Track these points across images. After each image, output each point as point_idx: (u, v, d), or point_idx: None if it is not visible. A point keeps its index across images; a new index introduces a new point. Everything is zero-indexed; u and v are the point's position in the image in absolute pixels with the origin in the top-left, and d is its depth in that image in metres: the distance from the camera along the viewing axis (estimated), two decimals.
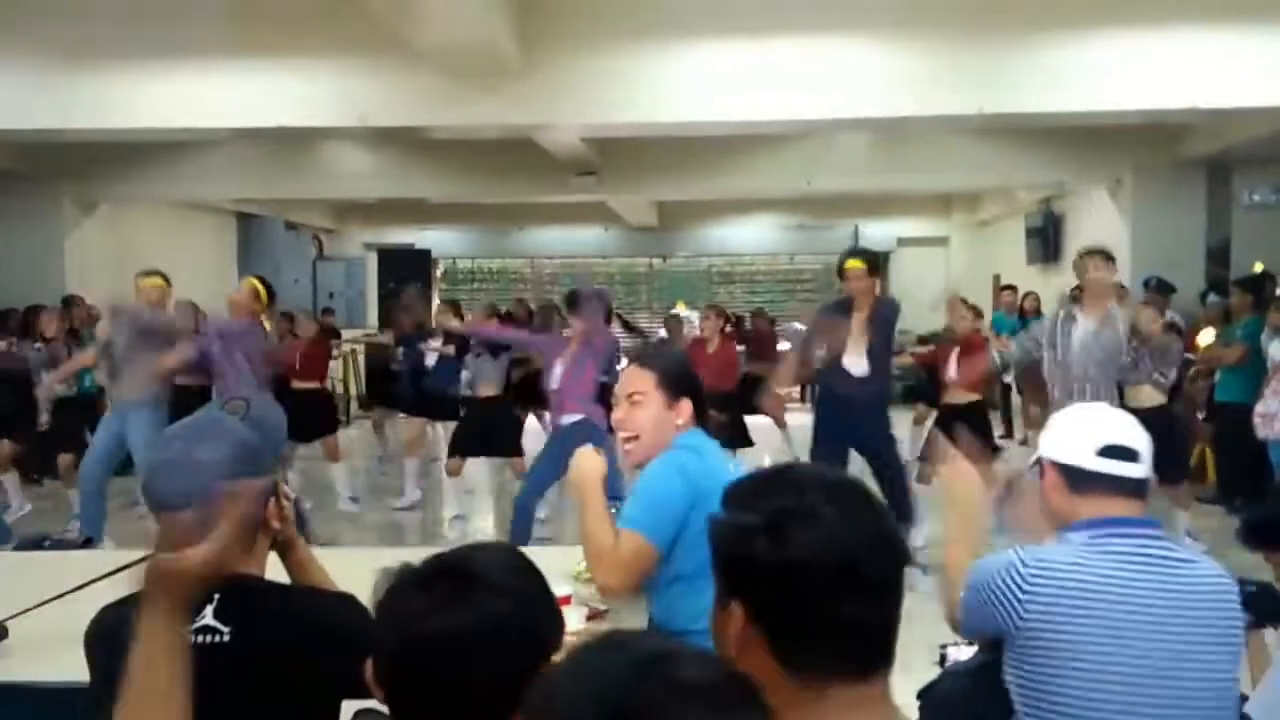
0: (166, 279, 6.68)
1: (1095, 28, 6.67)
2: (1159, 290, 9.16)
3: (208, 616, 1.54)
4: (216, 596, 1.55)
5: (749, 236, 16.83)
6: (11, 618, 2.44)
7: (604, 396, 6.70)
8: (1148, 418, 6.64)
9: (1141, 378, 6.24)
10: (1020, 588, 1.83)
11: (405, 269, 14.95)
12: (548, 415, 7.16)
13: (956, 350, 6.51)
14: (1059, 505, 1.97)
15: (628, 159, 10.58)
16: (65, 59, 7.01)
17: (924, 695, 2.45)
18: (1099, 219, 11.13)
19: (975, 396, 6.52)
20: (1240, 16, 6.56)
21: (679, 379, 2.52)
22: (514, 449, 7.00)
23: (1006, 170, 10.62)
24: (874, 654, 1.14)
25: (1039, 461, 2.03)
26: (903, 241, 16.28)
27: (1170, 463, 5.85)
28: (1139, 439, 1.96)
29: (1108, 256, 5.48)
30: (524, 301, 10.18)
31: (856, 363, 5.81)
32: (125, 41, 6.98)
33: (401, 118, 7.25)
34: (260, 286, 6.75)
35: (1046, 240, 12.18)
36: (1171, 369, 6.36)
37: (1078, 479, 1.93)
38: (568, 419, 6.01)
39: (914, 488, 6.02)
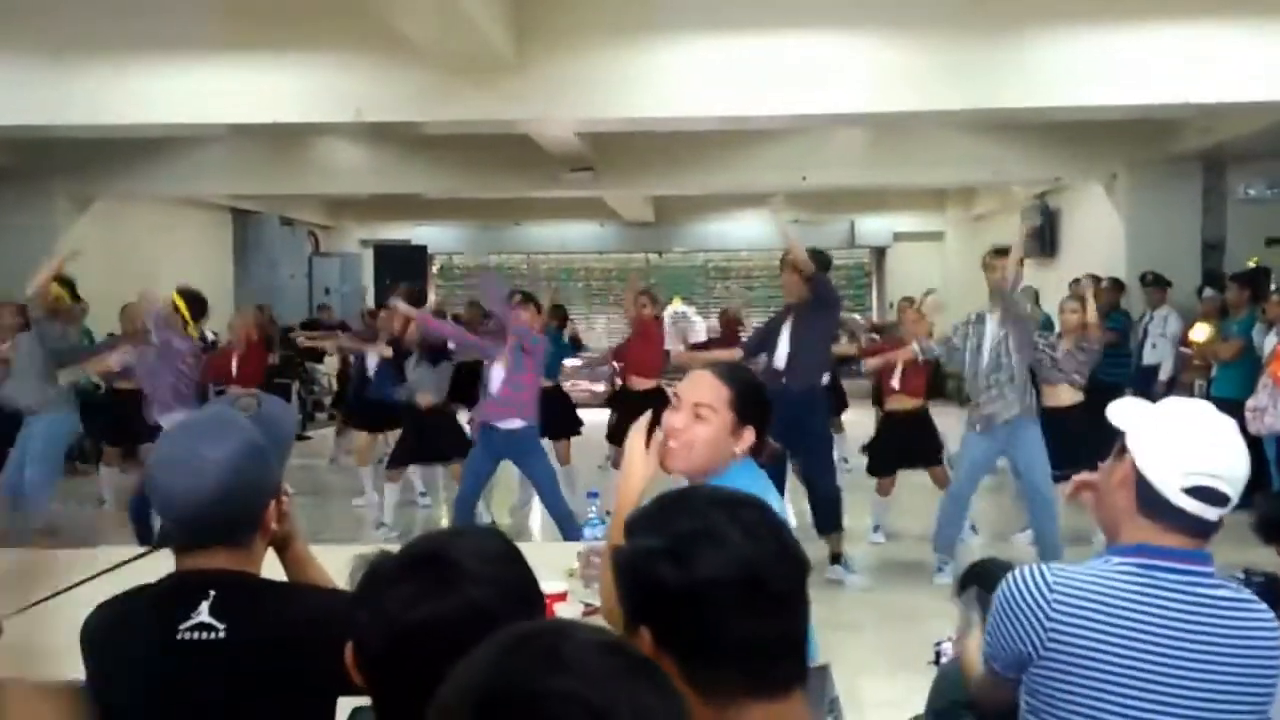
0: (70, 286, 6.55)
1: (1090, 23, 6.68)
2: (1155, 285, 9.18)
3: (203, 613, 1.54)
4: (213, 593, 1.55)
5: (745, 232, 16.82)
6: (7, 617, 2.44)
7: (547, 400, 6.70)
8: (1063, 417, 6.69)
9: (1058, 377, 6.30)
10: (1046, 614, 1.68)
11: (401, 265, 14.94)
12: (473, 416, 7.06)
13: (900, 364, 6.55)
14: (1121, 503, 1.74)
15: (623, 154, 10.58)
16: (60, 54, 6.99)
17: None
18: (1094, 214, 11.14)
19: (918, 403, 6.63)
20: (1235, 12, 6.56)
21: (753, 405, 2.19)
22: (457, 454, 6.79)
23: (1002, 165, 10.63)
24: (786, 670, 1.14)
25: (1124, 448, 1.75)
26: (898, 236, 16.30)
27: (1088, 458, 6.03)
28: (1238, 477, 1.69)
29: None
30: (477, 304, 10.06)
31: (780, 356, 5.80)
32: (120, 36, 6.96)
33: (397, 113, 7.23)
34: (181, 302, 6.44)
35: (1042, 235, 12.19)
36: (1086, 368, 6.34)
37: (1151, 503, 1.70)
38: (505, 425, 5.93)
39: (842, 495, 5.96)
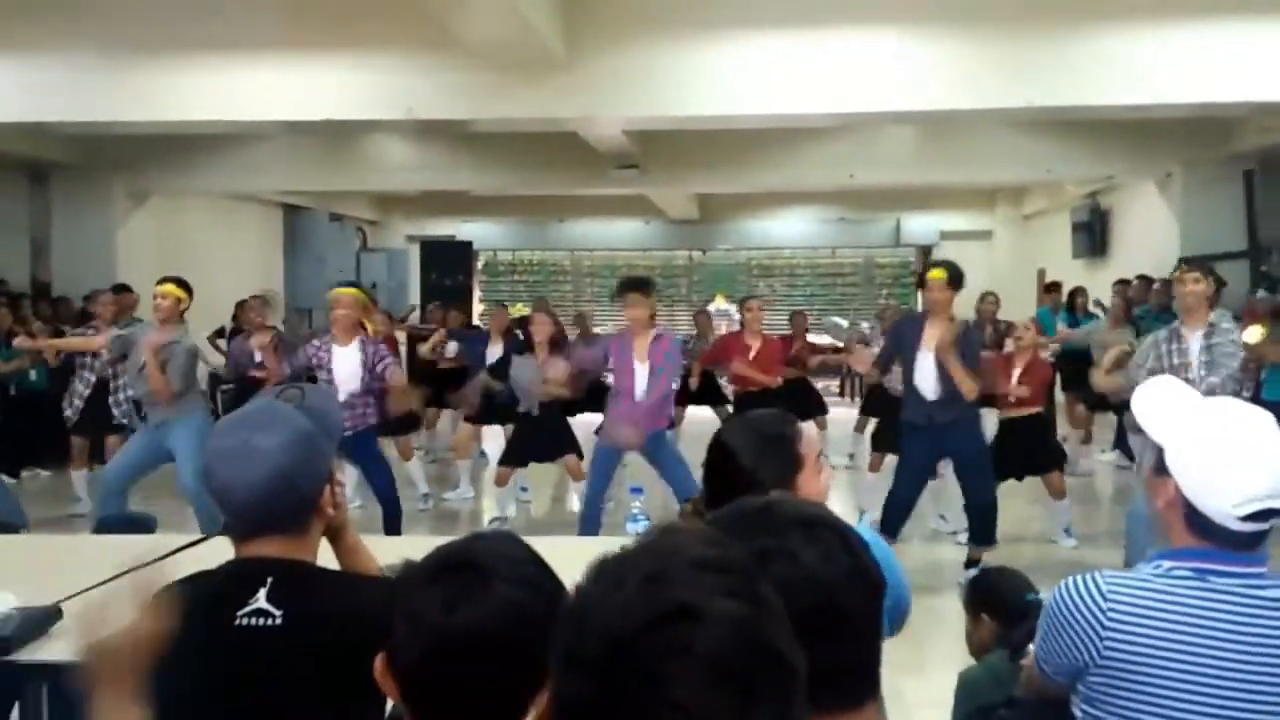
0: (185, 286, 5.89)
1: (1145, 20, 6.57)
2: None
3: (261, 600, 1.57)
4: (270, 580, 1.59)
5: (789, 230, 16.76)
6: (67, 599, 2.50)
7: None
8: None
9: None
10: (1101, 623, 1.64)
11: (447, 261, 15.07)
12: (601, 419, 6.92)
13: (1020, 365, 6.34)
14: (1169, 520, 1.69)
15: (669, 152, 10.58)
16: (118, 52, 7.13)
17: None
18: (1147, 213, 10.97)
19: (1037, 409, 6.40)
20: None
21: None
22: (566, 449, 6.81)
23: (1053, 164, 10.49)
24: (858, 687, 1.13)
25: (1163, 466, 1.67)
26: (946, 235, 16.13)
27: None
28: None
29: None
30: (504, 305, 9.64)
31: (931, 386, 5.51)
32: (177, 35, 7.08)
33: (447, 111, 7.30)
34: (362, 296, 6.21)
35: (1093, 234, 12.03)
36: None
37: (1204, 528, 1.63)
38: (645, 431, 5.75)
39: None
